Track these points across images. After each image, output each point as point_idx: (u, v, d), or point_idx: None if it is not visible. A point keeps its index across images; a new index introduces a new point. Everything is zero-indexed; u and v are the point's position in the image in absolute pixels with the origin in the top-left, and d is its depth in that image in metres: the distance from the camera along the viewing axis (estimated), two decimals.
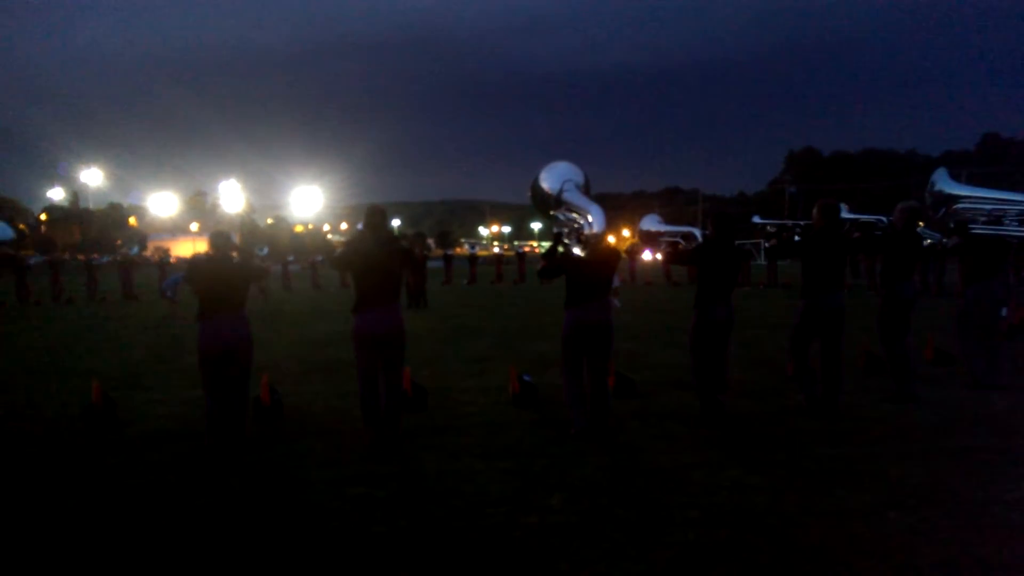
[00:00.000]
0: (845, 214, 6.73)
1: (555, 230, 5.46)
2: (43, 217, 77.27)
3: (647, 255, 24.50)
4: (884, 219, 6.40)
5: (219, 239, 5.17)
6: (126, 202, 79.53)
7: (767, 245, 6.28)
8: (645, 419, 5.68)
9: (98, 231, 60.44)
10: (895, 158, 75.40)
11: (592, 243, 5.07)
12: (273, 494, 4.20)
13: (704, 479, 4.27)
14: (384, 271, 4.98)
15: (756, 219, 7.12)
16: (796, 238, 6.24)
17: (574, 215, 5.29)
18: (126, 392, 6.74)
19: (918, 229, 6.63)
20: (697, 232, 5.88)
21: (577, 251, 5.17)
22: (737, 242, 6.65)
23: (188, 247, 48.04)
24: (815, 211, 5.78)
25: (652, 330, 10.89)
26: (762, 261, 26.41)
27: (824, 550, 3.35)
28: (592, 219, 5.08)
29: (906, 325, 6.20)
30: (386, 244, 5.03)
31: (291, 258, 25.48)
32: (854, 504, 3.86)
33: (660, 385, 6.93)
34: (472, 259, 26.74)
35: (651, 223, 6.29)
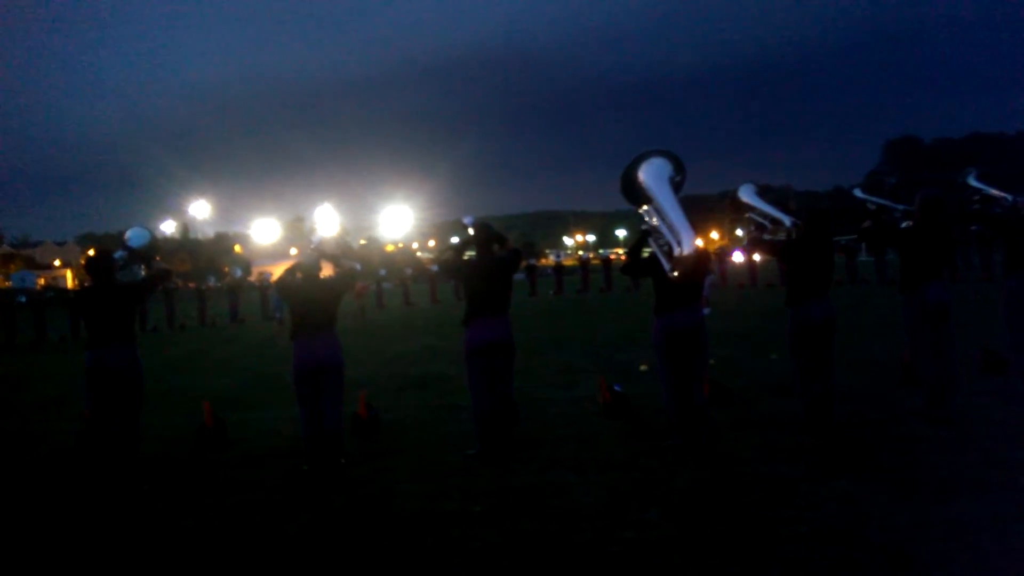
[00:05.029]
0: (974, 182, 6.18)
1: (642, 227, 5.30)
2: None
3: (738, 257, 23.74)
4: (1009, 198, 5.87)
5: (307, 264, 5.32)
6: (231, 230, 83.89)
7: (863, 226, 5.90)
8: (744, 429, 5.48)
9: (207, 260, 64.08)
10: (1004, 140, 70.22)
11: (680, 263, 4.84)
12: (372, 509, 4.30)
13: (811, 491, 4.07)
14: (493, 282, 5.17)
15: (858, 192, 6.62)
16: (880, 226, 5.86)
17: (663, 226, 5.01)
18: (235, 412, 7.08)
19: None
20: (787, 219, 5.45)
21: (660, 256, 4.98)
22: (835, 238, 6.27)
23: None
24: (916, 203, 5.45)
25: (747, 334, 10.53)
26: (865, 256, 25.01)
27: (946, 568, 3.11)
28: (682, 239, 4.83)
29: None
30: (494, 255, 5.21)
31: (383, 272, 26.33)
32: (978, 516, 3.57)
33: (759, 392, 6.68)
34: (558, 269, 26.77)
35: (747, 193, 5.82)
